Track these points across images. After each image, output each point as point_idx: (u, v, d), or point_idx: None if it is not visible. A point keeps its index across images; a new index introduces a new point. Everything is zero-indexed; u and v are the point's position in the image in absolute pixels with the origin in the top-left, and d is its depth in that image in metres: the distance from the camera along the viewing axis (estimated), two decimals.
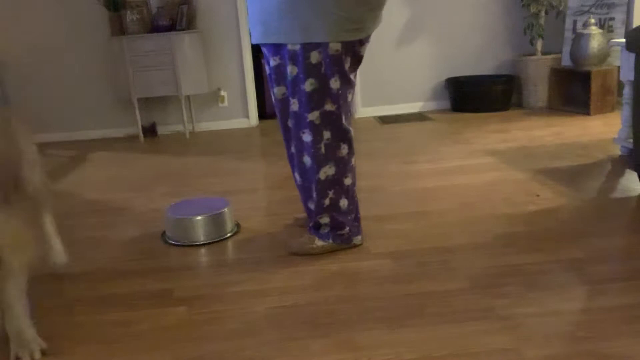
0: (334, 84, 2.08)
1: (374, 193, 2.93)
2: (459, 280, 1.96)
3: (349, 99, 2.16)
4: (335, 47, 2.03)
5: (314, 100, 2.08)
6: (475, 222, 2.47)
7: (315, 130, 2.11)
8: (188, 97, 4.95)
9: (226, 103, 5.07)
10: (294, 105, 2.12)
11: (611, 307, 1.73)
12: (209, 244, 2.45)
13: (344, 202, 2.22)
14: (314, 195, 2.20)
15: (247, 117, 5.11)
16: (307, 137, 2.14)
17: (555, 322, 1.67)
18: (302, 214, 2.61)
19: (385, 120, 4.92)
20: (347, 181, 2.21)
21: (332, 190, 2.18)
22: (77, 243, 2.31)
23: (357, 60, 2.16)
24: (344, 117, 2.14)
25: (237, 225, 2.63)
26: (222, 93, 5.04)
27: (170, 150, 4.38)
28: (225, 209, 2.54)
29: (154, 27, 4.59)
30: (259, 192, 3.19)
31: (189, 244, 2.46)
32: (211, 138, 4.72)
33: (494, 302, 1.80)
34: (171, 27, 4.60)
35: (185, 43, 4.55)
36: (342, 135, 2.16)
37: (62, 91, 4.88)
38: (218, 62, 4.95)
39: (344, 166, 2.19)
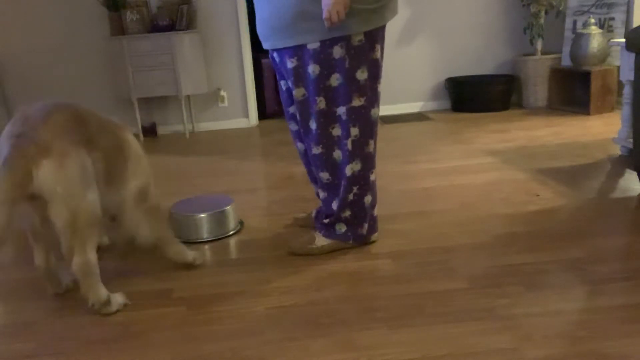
0: (361, 75, 2.06)
1: None
2: (459, 280, 1.96)
3: (379, 89, 2.14)
4: (358, 37, 2.01)
5: (341, 95, 2.07)
6: (475, 222, 2.47)
7: (344, 125, 2.10)
8: (188, 97, 4.95)
9: (226, 103, 5.07)
10: (321, 103, 2.09)
11: (611, 307, 1.73)
12: (210, 241, 2.46)
13: (368, 198, 2.21)
14: (340, 191, 2.19)
15: (247, 117, 5.11)
16: (337, 131, 2.12)
17: (555, 322, 1.67)
18: (302, 214, 2.61)
19: (385, 120, 4.92)
20: (372, 177, 2.21)
21: (357, 186, 2.17)
22: None
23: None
24: (372, 110, 2.13)
25: (241, 222, 2.64)
26: (222, 93, 5.04)
27: (170, 150, 4.38)
28: (229, 207, 2.55)
29: (154, 27, 4.59)
30: (258, 192, 3.19)
31: (191, 241, 2.46)
32: (211, 138, 4.72)
33: (494, 302, 1.80)
34: (171, 27, 4.60)
35: (185, 43, 4.55)
36: (370, 131, 2.15)
37: (61, 91, 4.88)
38: (218, 62, 4.95)
39: (370, 162, 2.18)
